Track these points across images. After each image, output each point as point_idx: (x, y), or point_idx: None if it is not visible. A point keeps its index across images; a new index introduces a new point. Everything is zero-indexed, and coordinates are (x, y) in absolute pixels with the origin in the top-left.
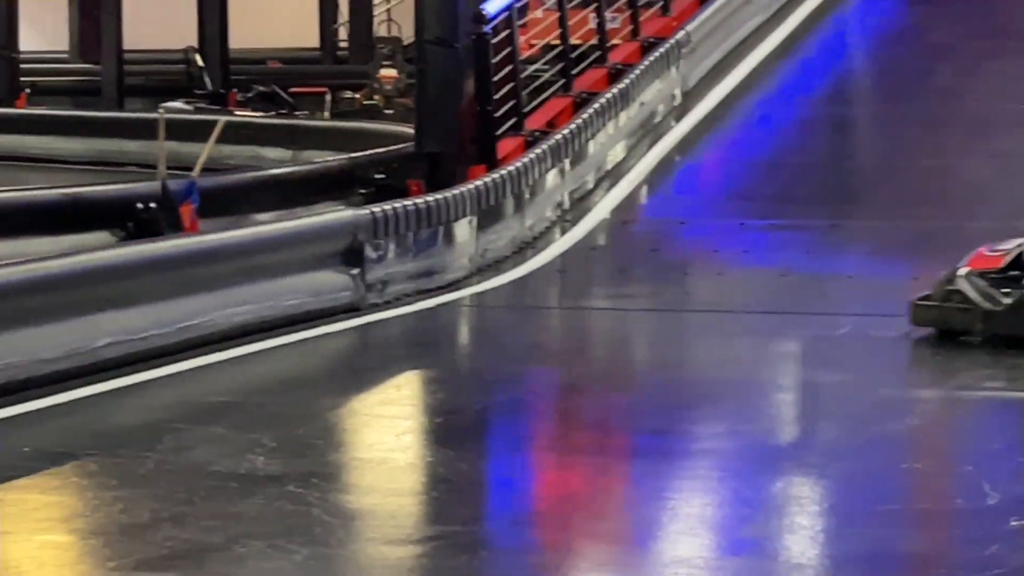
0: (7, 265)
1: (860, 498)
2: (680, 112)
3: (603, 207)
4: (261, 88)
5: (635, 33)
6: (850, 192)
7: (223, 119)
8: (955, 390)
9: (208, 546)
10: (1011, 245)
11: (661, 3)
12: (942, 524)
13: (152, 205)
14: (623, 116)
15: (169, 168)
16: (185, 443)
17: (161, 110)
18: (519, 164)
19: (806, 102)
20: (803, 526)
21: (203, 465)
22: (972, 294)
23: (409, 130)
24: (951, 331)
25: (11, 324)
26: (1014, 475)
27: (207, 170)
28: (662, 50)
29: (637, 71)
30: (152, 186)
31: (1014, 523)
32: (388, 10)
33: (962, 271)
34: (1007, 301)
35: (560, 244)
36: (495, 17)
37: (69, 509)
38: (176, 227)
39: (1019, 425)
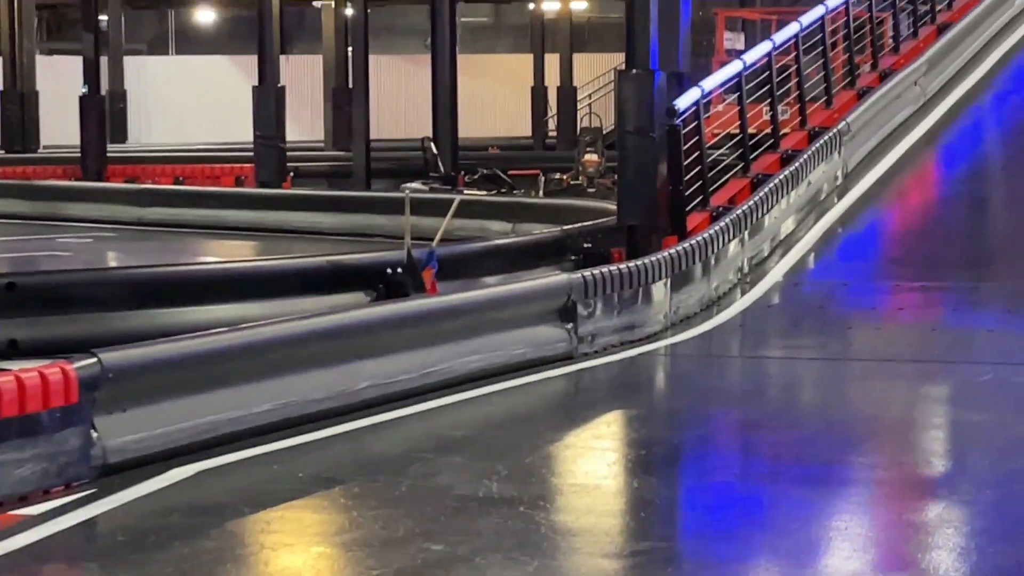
0: (281, 322)
1: (1006, 521)
2: (842, 190)
3: (777, 271)
4: (485, 171)
5: (803, 123)
6: (988, 258)
7: (458, 197)
8: None
9: (454, 557)
10: None
11: (825, 98)
12: None
13: (399, 270)
14: (793, 194)
15: (412, 239)
16: (432, 470)
17: (405, 190)
18: (705, 235)
19: (950, 181)
20: (956, 545)
21: (447, 489)
22: None
23: (610, 206)
24: None
25: (286, 370)
26: None
27: (444, 240)
28: (826, 138)
29: (805, 156)
30: (399, 254)
31: None
32: (590, 104)
33: None
34: None
35: (741, 303)
36: (685, 111)
37: (337, 525)
38: (420, 289)
39: None
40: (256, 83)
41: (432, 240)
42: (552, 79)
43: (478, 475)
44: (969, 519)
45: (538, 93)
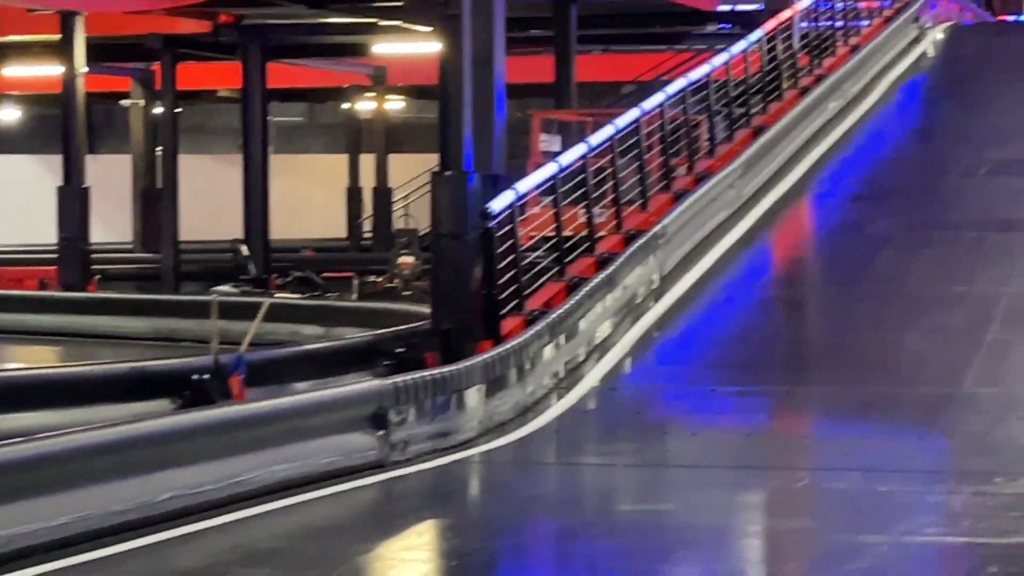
0: (79, 431)
1: None
2: (658, 294)
3: (593, 376)
4: (298, 273)
5: (619, 226)
6: (804, 362)
7: (267, 301)
8: (901, 535)
9: None
10: None
11: (641, 200)
12: None
13: (206, 376)
14: (609, 298)
15: (221, 344)
16: None
17: (213, 293)
18: (520, 340)
19: (766, 285)
20: None
21: None
22: None
23: (425, 310)
24: None
25: (84, 481)
26: None
27: (253, 345)
28: (642, 241)
29: (621, 259)
30: (205, 360)
31: None
32: (406, 206)
33: None
34: None
35: (556, 408)
36: (499, 214)
37: None
38: (226, 396)
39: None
40: (60, 183)
41: (240, 345)
42: (367, 180)
43: None
44: None
45: (353, 194)
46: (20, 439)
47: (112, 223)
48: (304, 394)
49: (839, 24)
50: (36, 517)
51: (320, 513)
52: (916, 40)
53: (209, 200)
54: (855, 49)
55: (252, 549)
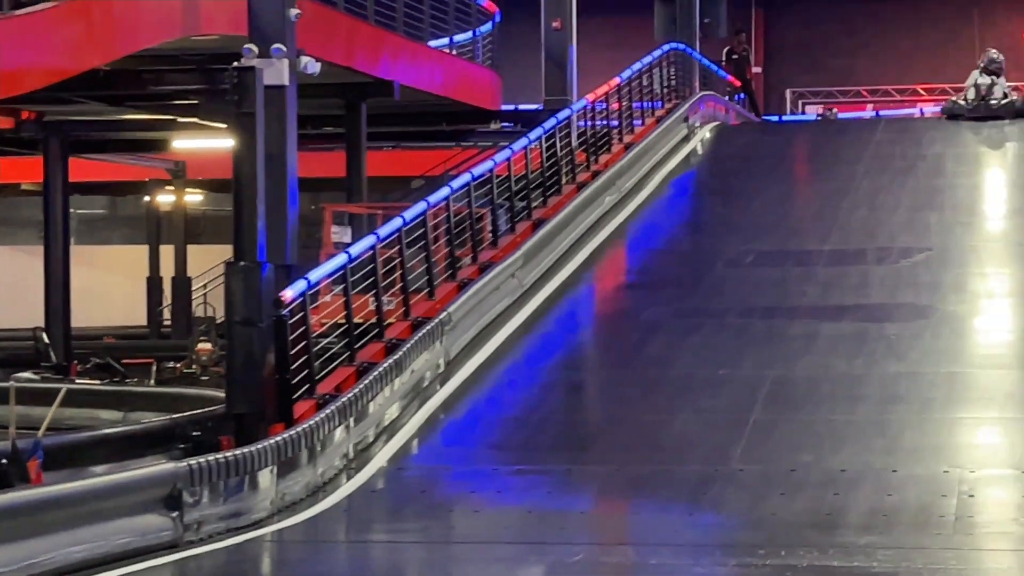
0: None
1: None
2: (444, 377)
3: (382, 457)
4: (98, 360)
5: (407, 313)
6: (581, 442)
7: (64, 387)
8: None
9: None
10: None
11: (428, 289)
12: None
13: (3, 461)
14: (397, 381)
15: (18, 428)
16: None
17: (12, 380)
18: (312, 422)
19: (546, 369)
20: None
21: None
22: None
23: (221, 394)
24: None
25: None
26: None
27: (51, 430)
28: (428, 327)
29: (408, 344)
30: (3, 444)
31: None
32: (205, 294)
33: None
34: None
35: (346, 488)
36: (291, 302)
37: None
38: (24, 479)
39: None
40: None
41: (38, 430)
42: (167, 269)
43: None
44: None
45: (153, 283)
46: None
47: None
48: (100, 477)
49: (614, 123)
50: None
51: None
52: (686, 138)
53: (11, 289)
54: (629, 147)
55: None
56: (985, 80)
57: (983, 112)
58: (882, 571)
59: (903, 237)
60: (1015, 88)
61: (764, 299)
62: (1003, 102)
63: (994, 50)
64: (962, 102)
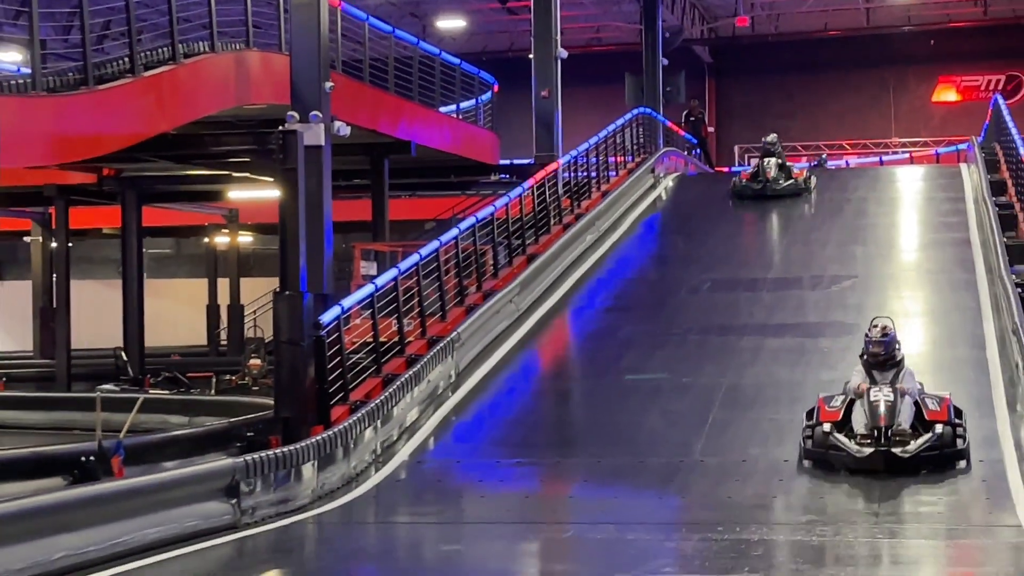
0: None
1: None
2: (455, 386)
3: (404, 452)
4: (167, 374)
5: (423, 333)
6: (569, 440)
7: (141, 397)
8: (645, 574)
9: None
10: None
11: (440, 312)
12: None
13: (92, 458)
14: (416, 389)
15: (104, 432)
16: None
17: (97, 391)
18: (346, 424)
19: (539, 378)
20: None
21: None
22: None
23: (270, 402)
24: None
25: None
26: None
27: (130, 433)
28: (442, 344)
29: (425, 359)
30: (91, 444)
31: None
32: (255, 319)
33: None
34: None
35: (375, 478)
36: (328, 324)
37: None
38: (109, 473)
39: None
40: None
41: (120, 432)
42: (224, 299)
43: None
44: None
45: (212, 310)
46: None
47: (16, 335)
48: (171, 471)
49: (593, 174)
50: None
51: (184, 567)
52: (652, 186)
53: (95, 316)
54: (605, 194)
55: None
56: (769, 163)
57: (768, 192)
58: (819, 543)
59: (832, 267)
60: (798, 171)
61: (719, 319)
62: (785, 184)
63: (772, 134)
64: (751, 183)
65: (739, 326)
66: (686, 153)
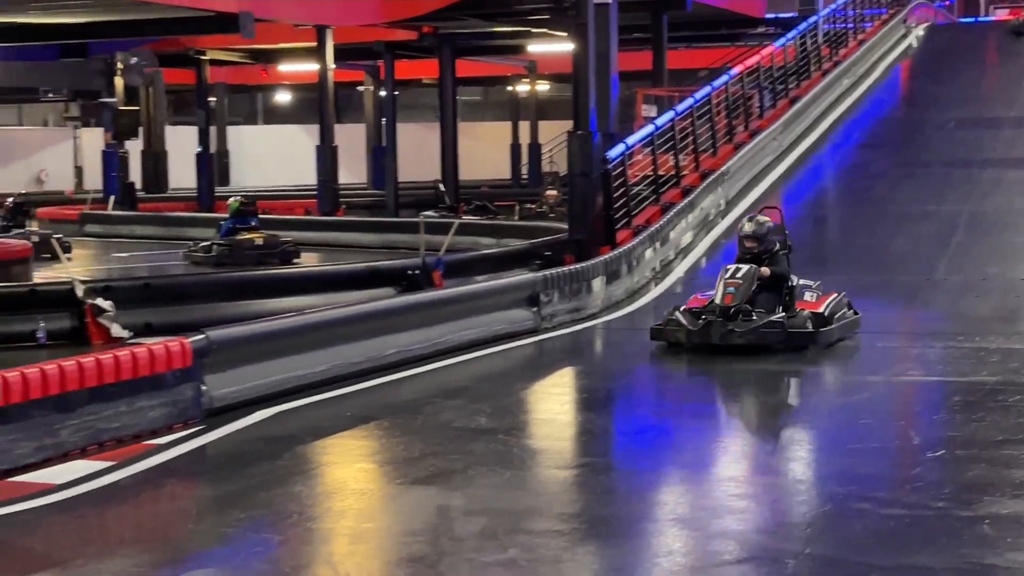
0: (333, 308)
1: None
2: (724, 213)
3: (679, 270)
4: (477, 202)
5: (697, 167)
6: (825, 259)
7: (456, 222)
8: (893, 376)
9: (453, 470)
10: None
11: (712, 150)
12: None
13: (417, 272)
14: (690, 216)
15: (426, 250)
16: (438, 410)
17: (421, 216)
18: (630, 245)
19: (799, 206)
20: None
21: (449, 423)
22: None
23: (564, 226)
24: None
25: (336, 342)
26: None
27: (448, 252)
28: (713, 177)
29: (698, 190)
30: (416, 261)
31: None
32: (551, 156)
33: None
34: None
35: (654, 292)
36: (615, 160)
37: (372, 449)
38: (431, 284)
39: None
40: (318, 143)
41: (439, 251)
42: (524, 139)
43: (471, 413)
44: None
45: (514, 149)
46: (295, 313)
47: (353, 170)
48: (483, 283)
49: (850, 25)
50: (306, 366)
51: (494, 363)
52: (904, 36)
53: (417, 154)
54: (862, 43)
55: (448, 387)
56: None
57: None
58: None
59: None
60: None
61: (962, 153)
62: None
63: None
64: None
65: (981, 160)
66: (936, 4)
